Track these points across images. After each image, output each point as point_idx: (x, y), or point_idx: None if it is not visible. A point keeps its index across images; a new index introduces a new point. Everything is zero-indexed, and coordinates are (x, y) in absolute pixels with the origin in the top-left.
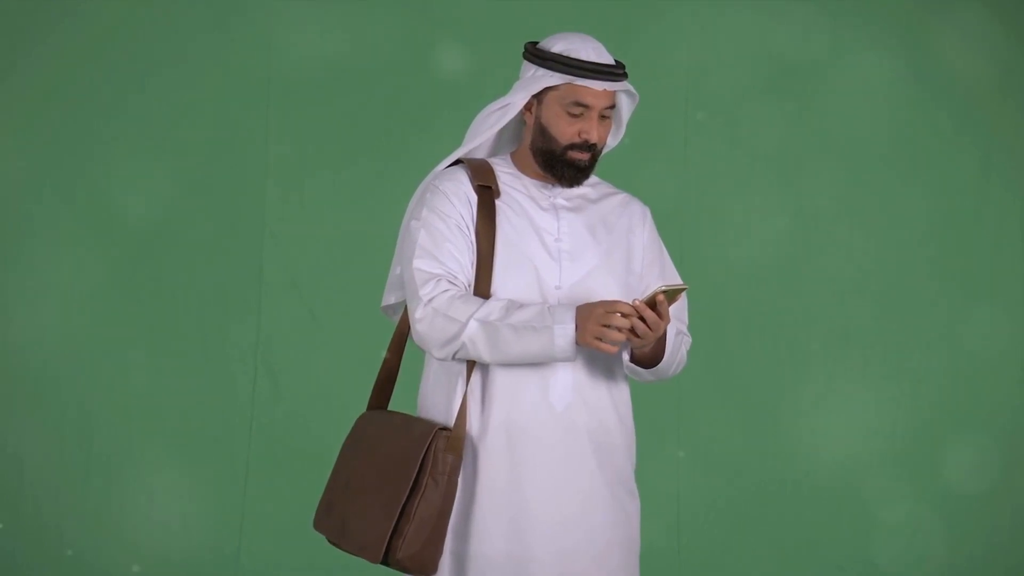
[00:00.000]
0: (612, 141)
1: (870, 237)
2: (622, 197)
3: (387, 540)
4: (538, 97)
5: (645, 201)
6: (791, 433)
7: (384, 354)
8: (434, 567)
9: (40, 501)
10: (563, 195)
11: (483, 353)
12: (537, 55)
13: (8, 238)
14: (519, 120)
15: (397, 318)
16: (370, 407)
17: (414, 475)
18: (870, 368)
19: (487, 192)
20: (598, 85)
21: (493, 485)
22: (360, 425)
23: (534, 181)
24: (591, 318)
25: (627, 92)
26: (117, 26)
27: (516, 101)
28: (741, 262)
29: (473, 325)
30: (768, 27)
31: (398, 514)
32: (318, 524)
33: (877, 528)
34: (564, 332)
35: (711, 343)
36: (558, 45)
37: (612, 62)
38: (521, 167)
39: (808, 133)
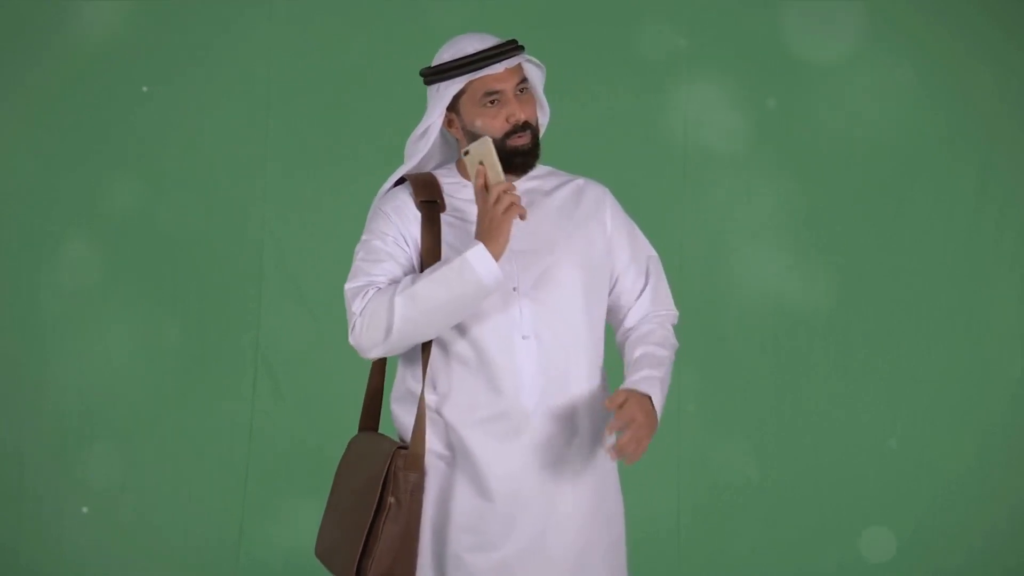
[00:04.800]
0: (543, 119)
1: (872, 241)
2: (577, 183)
3: (357, 561)
4: (454, 110)
5: (647, 209)
6: (791, 432)
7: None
8: None
9: (41, 501)
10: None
11: (418, 319)
12: (431, 73)
13: (9, 238)
14: (451, 137)
15: None
16: (360, 429)
17: (377, 496)
18: (870, 369)
19: (431, 207)
20: (496, 68)
21: (467, 491)
22: (348, 448)
23: None
24: (485, 218)
25: (531, 64)
26: (120, 32)
27: (433, 121)
28: (742, 265)
29: (398, 301)
30: (770, 32)
31: (365, 535)
32: (316, 551)
33: (877, 527)
34: (476, 252)
35: (712, 344)
36: (445, 54)
37: (499, 42)
38: (467, 175)
39: (810, 138)
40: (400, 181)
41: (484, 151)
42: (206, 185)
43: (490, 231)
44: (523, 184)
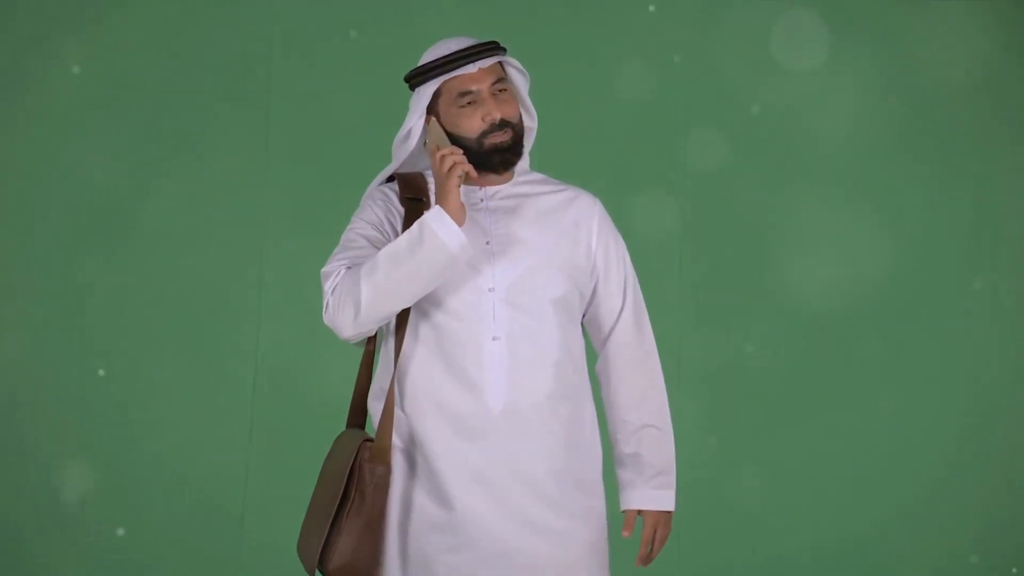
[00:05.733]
0: (530, 123)
1: (867, 246)
2: (569, 193)
3: (319, 552)
4: (434, 112)
5: (644, 212)
6: (791, 433)
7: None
8: None
9: (41, 499)
10: (499, 195)
11: (385, 289)
12: (411, 78)
13: (10, 238)
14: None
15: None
16: (348, 426)
17: (342, 488)
18: (868, 371)
19: (416, 204)
20: (469, 68)
21: (427, 494)
22: (332, 444)
23: (468, 187)
24: (437, 182)
25: (514, 68)
26: (121, 39)
27: (414, 124)
28: (742, 274)
29: (364, 274)
30: (762, 35)
31: (329, 527)
32: (297, 546)
33: (878, 527)
34: (433, 216)
35: (712, 346)
36: (424, 59)
37: (475, 43)
38: None
39: (801, 141)
40: (392, 180)
41: (433, 131)
42: (206, 186)
43: (439, 193)
44: (512, 188)
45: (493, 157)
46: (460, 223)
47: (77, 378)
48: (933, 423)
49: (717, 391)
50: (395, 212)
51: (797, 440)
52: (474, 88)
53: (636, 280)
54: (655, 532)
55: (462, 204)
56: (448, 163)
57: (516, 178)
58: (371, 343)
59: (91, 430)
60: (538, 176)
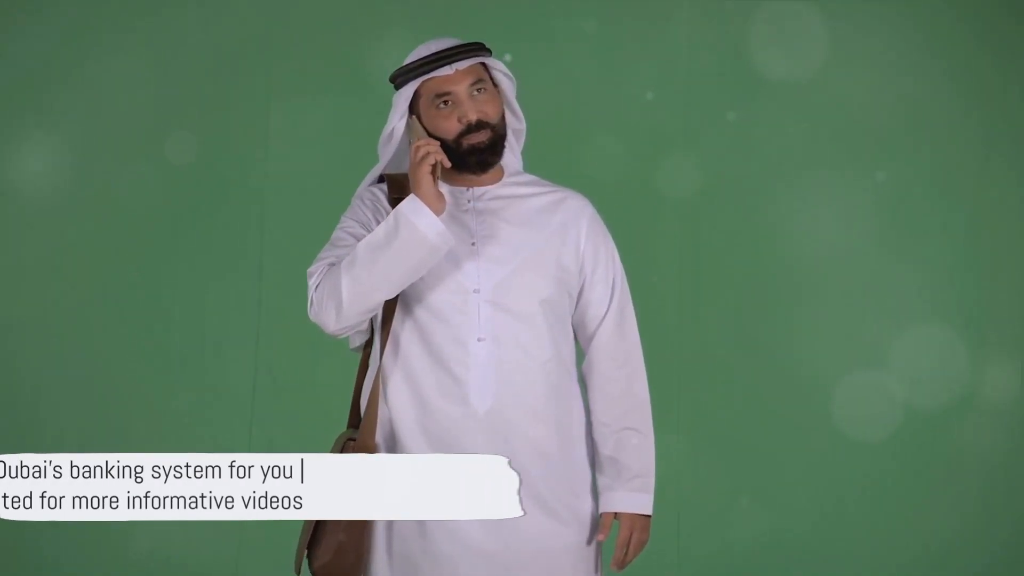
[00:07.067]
0: (517, 124)
1: (871, 239)
2: (558, 194)
3: (305, 550)
4: (415, 112)
5: (655, 205)
6: (792, 433)
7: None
8: None
9: None
10: (487, 196)
11: (365, 279)
12: (392, 80)
13: (9, 237)
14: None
15: (361, 341)
16: (348, 427)
17: None
18: (867, 371)
19: None
20: (445, 69)
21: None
22: (333, 445)
23: (456, 188)
24: (411, 173)
25: (499, 72)
26: (119, 35)
27: (395, 125)
28: (740, 271)
29: (344, 266)
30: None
31: (314, 525)
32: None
33: (877, 529)
34: (408, 204)
35: (712, 346)
36: (406, 60)
37: (454, 44)
38: (441, 175)
39: (806, 135)
40: (382, 181)
41: (413, 128)
42: (206, 181)
43: (413, 183)
44: (500, 189)
45: (470, 158)
46: (437, 212)
47: (77, 377)
48: (937, 446)
49: (717, 387)
50: (383, 212)
51: (795, 445)
52: (450, 89)
53: (625, 282)
54: (631, 535)
55: (439, 192)
56: (421, 153)
57: (505, 179)
58: (369, 346)
59: (90, 429)
60: (528, 177)
